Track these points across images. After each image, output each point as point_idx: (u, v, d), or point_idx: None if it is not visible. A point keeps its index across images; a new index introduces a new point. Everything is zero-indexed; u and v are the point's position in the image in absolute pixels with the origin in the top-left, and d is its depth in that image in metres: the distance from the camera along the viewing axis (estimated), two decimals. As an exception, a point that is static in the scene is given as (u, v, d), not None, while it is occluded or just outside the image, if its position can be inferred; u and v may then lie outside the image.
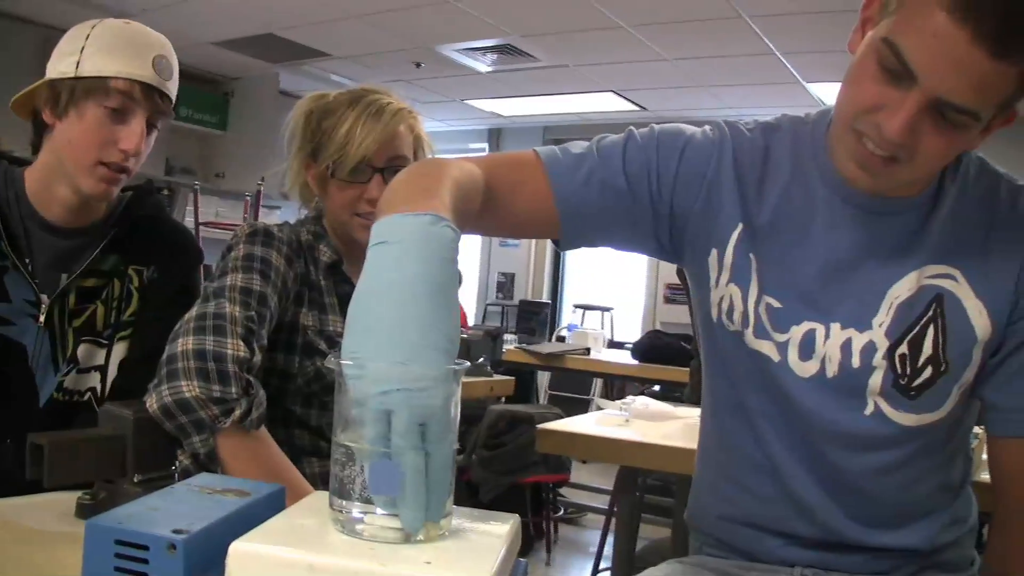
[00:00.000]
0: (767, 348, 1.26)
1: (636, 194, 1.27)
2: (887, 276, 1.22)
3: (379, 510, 0.76)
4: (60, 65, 1.56)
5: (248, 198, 6.70)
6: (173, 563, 0.74)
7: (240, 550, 0.72)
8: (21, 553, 1.03)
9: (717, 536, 1.40)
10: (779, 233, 1.27)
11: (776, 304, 1.25)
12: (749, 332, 1.27)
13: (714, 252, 1.30)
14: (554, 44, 6.56)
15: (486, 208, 1.16)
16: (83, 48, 1.55)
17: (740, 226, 1.28)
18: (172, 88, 1.64)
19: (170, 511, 0.81)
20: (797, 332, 1.24)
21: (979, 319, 1.20)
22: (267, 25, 6.52)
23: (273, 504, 0.90)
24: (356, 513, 0.77)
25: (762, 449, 1.30)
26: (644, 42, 6.24)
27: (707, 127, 1.34)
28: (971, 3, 0.97)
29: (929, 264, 1.21)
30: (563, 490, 5.39)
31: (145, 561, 0.75)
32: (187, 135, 8.15)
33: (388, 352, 0.78)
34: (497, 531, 0.81)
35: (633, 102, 8.14)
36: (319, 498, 0.88)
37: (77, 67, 1.54)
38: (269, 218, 6.90)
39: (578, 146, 1.30)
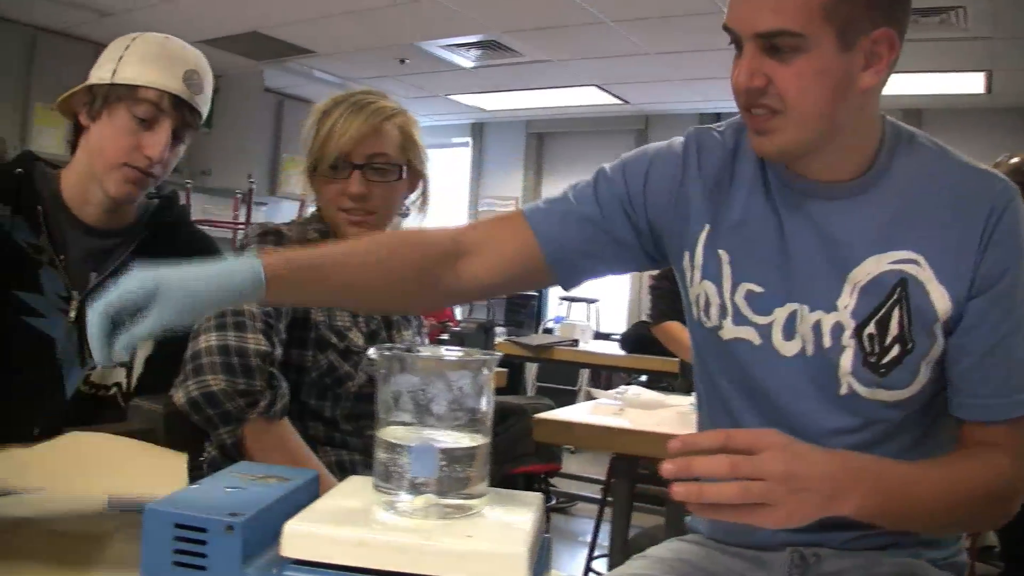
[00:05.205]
0: (747, 333, 1.31)
1: (612, 220, 1.35)
2: (844, 262, 1.27)
3: (421, 491, 0.83)
4: (99, 72, 1.67)
5: (238, 195, 6.70)
6: (231, 544, 0.79)
7: (294, 530, 0.78)
8: (78, 545, 1.07)
9: (711, 523, 1.44)
10: (749, 226, 1.33)
11: (758, 289, 1.31)
12: (728, 322, 1.32)
13: (686, 254, 1.37)
14: (537, 39, 6.58)
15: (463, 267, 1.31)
16: (121, 57, 1.66)
17: (707, 227, 1.34)
18: (201, 103, 1.74)
19: (222, 497, 0.87)
20: (781, 313, 1.30)
21: (940, 300, 1.24)
22: (252, 23, 6.51)
23: (310, 489, 0.96)
24: (400, 495, 0.83)
25: None
26: (626, 36, 6.27)
27: (675, 138, 1.41)
28: None
29: (891, 250, 1.25)
30: (554, 480, 5.44)
31: (203, 543, 0.80)
32: (173, 134, 8.10)
33: None
34: (526, 508, 0.88)
35: (615, 95, 8.16)
36: (357, 482, 0.94)
37: (113, 74, 1.65)
38: (256, 215, 6.91)
39: (553, 195, 1.40)
